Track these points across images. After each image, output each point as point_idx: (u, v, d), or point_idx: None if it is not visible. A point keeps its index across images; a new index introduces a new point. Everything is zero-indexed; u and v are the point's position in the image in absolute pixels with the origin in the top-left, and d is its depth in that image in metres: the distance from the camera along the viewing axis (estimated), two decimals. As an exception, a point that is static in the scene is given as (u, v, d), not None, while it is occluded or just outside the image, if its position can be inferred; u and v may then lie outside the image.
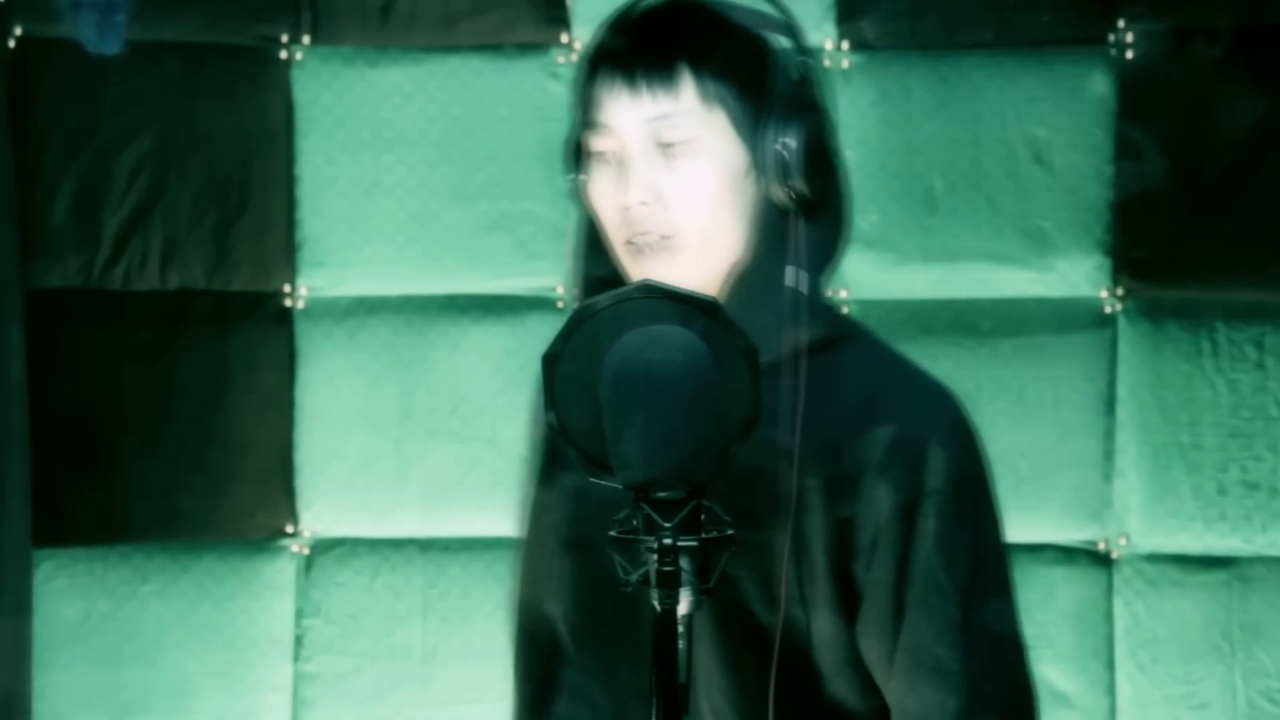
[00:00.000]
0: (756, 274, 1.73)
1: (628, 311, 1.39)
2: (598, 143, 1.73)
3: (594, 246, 1.79)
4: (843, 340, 1.78)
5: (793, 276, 1.70)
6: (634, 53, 1.72)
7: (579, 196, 1.78)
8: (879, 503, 1.70)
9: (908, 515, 1.70)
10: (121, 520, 2.98)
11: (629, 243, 1.72)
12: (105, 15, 2.85)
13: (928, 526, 1.70)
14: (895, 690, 1.70)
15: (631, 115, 1.71)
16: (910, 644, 1.69)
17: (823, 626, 1.71)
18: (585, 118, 1.74)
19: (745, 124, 1.72)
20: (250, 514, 3.01)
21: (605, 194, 1.73)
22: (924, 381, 1.81)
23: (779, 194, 1.71)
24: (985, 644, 1.71)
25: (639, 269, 1.71)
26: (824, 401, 1.72)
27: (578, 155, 1.77)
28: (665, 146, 1.70)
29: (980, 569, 1.73)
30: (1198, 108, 2.92)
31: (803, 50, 1.75)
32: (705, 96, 1.71)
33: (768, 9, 1.76)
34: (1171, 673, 2.94)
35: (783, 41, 1.74)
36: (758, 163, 1.72)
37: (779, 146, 1.70)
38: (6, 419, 2.88)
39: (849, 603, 1.71)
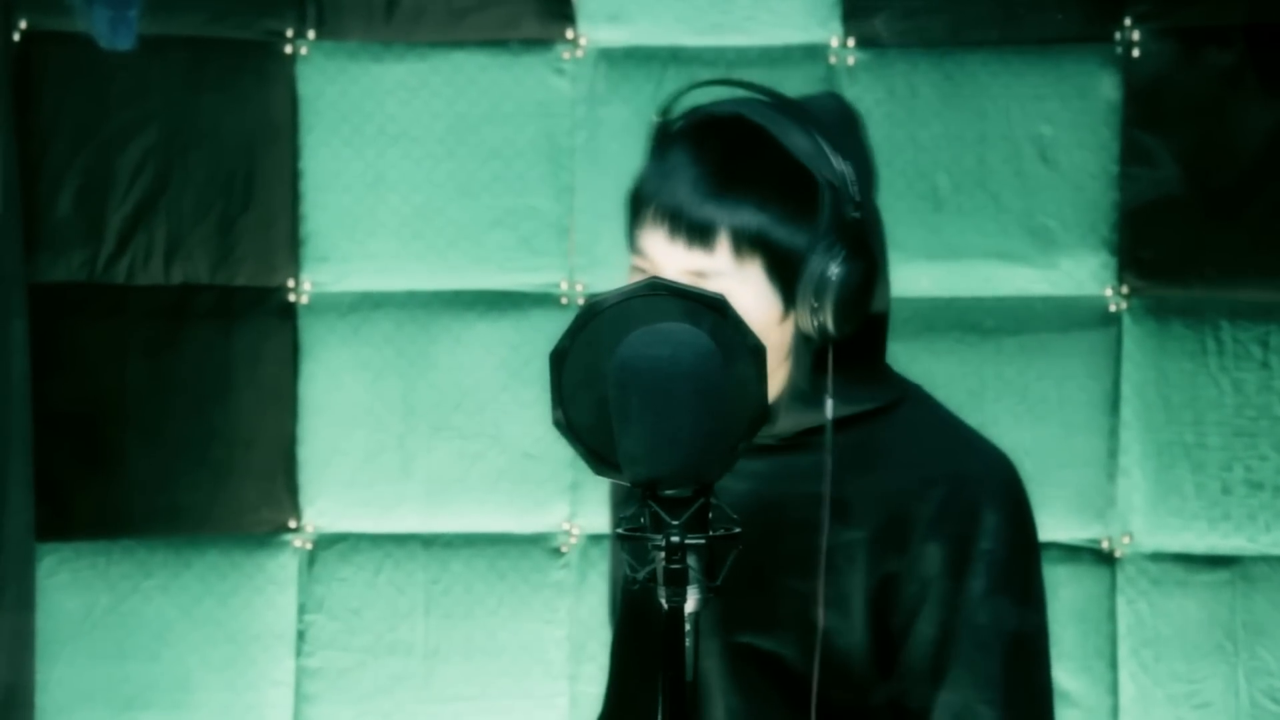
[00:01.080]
0: (799, 384, 1.74)
1: (635, 309, 1.39)
2: (639, 261, 1.74)
3: None
4: (901, 402, 1.79)
5: (829, 407, 1.70)
6: (675, 200, 1.71)
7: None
8: (927, 560, 1.72)
9: (957, 573, 1.72)
10: (124, 515, 2.98)
11: None
12: (118, 11, 2.85)
13: (977, 586, 1.72)
14: None
15: (669, 258, 1.71)
16: (952, 699, 1.72)
17: (854, 675, 1.72)
18: (630, 234, 1.75)
19: (783, 272, 1.70)
20: (253, 509, 3.01)
21: None
22: (980, 444, 1.82)
23: (814, 336, 1.70)
24: (1025, 702, 1.76)
25: None
26: (879, 460, 1.74)
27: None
28: None
29: (1024, 628, 1.76)
30: (1204, 107, 2.92)
31: (864, 183, 1.73)
32: (740, 255, 1.69)
33: (823, 139, 1.72)
34: (1174, 671, 2.94)
35: (840, 168, 1.71)
36: (795, 309, 1.70)
37: (813, 304, 1.68)
38: (10, 413, 2.88)
39: (882, 656, 1.73)
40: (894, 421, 1.77)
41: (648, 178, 1.76)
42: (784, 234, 1.70)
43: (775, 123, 1.72)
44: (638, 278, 1.73)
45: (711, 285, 1.67)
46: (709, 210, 1.70)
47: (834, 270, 1.68)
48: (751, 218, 1.70)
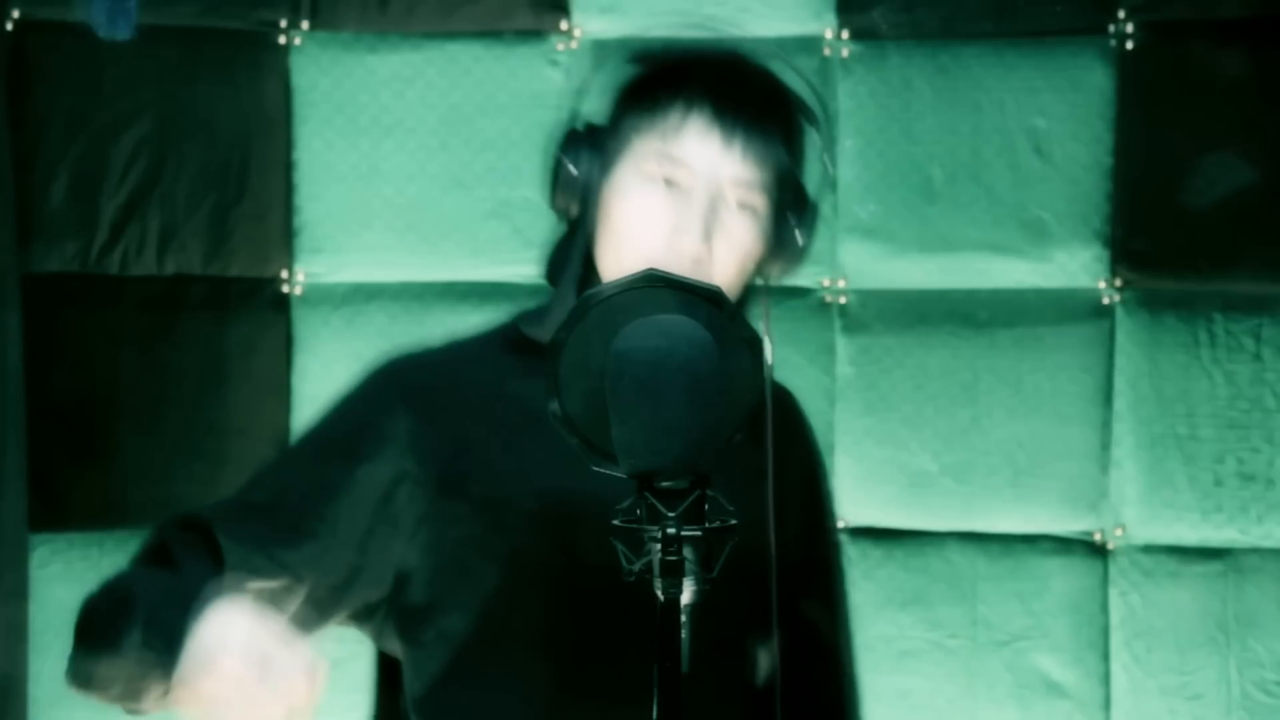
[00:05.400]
0: None
1: (632, 300, 1.39)
2: (669, 170, 1.74)
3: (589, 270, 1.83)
4: None
5: (768, 349, 1.75)
6: (738, 109, 1.75)
7: (573, 187, 1.79)
8: (800, 506, 1.84)
9: (813, 503, 1.90)
10: (118, 505, 2.97)
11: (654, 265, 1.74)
12: (116, 1, 2.84)
13: (828, 510, 1.94)
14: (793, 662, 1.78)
15: (720, 167, 1.73)
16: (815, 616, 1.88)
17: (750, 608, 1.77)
18: (659, 144, 1.75)
19: (784, 206, 1.78)
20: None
21: (651, 219, 1.74)
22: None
23: (773, 274, 1.80)
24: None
25: None
26: None
27: (590, 145, 1.79)
28: (736, 205, 1.73)
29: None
30: (1197, 99, 2.92)
31: (831, 150, 1.85)
32: (779, 173, 1.74)
33: (812, 101, 1.81)
34: (1167, 663, 2.95)
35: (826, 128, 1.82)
36: (777, 242, 1.79)
37: (801, 242, 1.79)
38: (3, 404, 2.87)
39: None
40: None
41: (671, 78, 1.77)
42: (795, 175, 1.79)
43: (778, 72, 1.80)
44: (654, 187, 1.74)
45: (757, 197, 1.75)
46: (772, 119, 1.74)
47: (813, 215, 1.80)
48: (793, 132, 1.78)
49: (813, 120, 1.80)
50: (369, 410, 1.83)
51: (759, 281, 1.80)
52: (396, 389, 1.84)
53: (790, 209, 1.78)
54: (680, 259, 1.72)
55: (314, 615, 1.77)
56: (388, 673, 1.92)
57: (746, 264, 1.77)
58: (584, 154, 1.79)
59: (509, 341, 1.87)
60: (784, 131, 1.77)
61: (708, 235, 1.73)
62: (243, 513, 1.79)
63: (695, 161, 1.73)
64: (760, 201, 1.75)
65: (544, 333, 1.83)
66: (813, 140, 1.82)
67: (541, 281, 3.02)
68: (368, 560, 1.78)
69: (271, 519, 1.78)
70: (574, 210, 1.82)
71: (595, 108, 1.86)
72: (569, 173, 1.80)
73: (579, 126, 1.82)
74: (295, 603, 1.73)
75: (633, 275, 1.41)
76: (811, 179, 1.82)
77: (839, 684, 1.93)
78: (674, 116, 1.75)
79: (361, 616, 1.84)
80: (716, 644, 1.64)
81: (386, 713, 1.92)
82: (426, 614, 1.80)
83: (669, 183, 1.74)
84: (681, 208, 1.73)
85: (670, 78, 1.77)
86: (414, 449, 1.79)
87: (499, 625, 1.78)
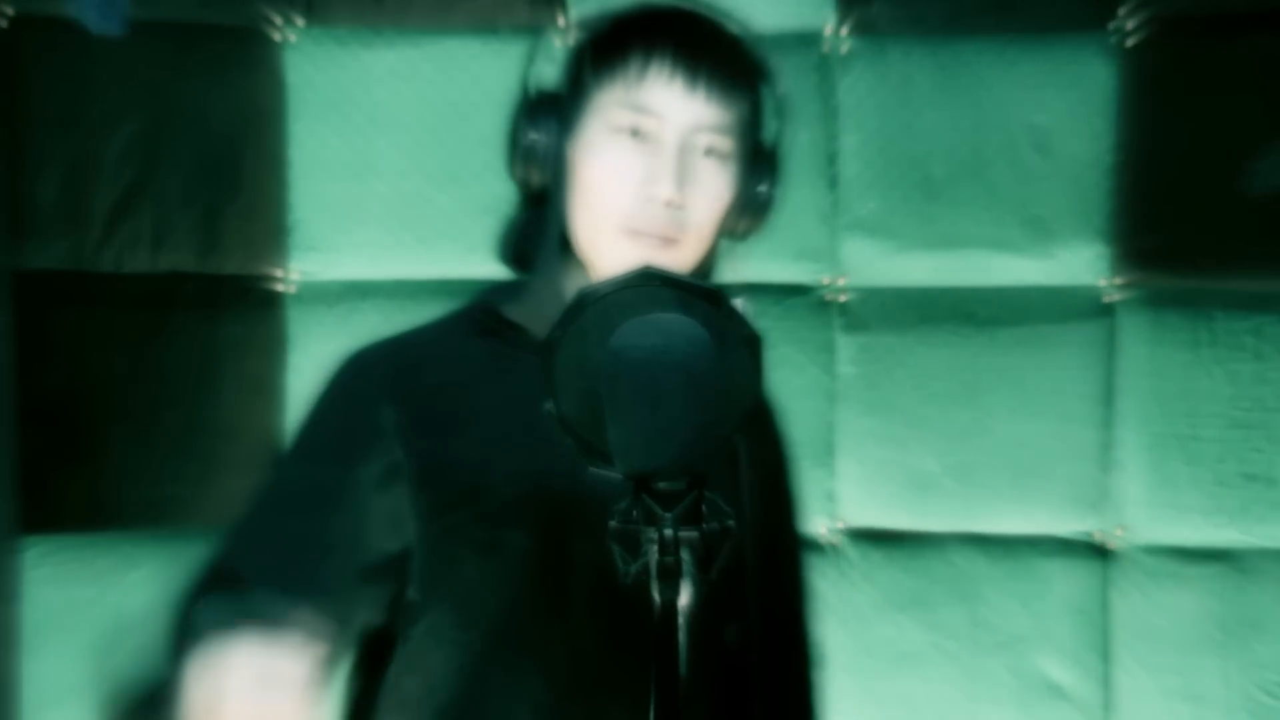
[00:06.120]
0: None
1: (629, 298, 1.37)
2: (635, 119, 1.72)
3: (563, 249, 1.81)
4: None
5: (743, 305, 1.73)
6: (700, 53, 1.74)
7: (537, 157, 1.77)
8: (767, 492, 1.84)
9: (778, 488, 1.92)
10: (109, 506, 2.96)
11: (630, 229, 1.72)
12: (108, -2, 2.83)
13: (794, 495, 1.96)
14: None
15: (687, 114, 1.71)
16: (787, 592, 1.92)
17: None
18: (623, 94, 1.74)
19: (749, 154, 1.78)
20: (239, 501, 2.97)
21: (622, 172, 1.72)
22: None
23: (742, 229, 1.79)
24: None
25: (628, 257, 1.71)
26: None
27: (552, 112, 1.77)
28: (704, 151, 1.72)
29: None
30: (1199, 95, 2.91)
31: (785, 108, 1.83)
32: (743, 118, 1.73)
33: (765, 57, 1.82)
34: (1168, 665, 2.94)
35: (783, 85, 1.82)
36: (746, 191, 1.78)
37: (766, 192, 1.79)
38: (-6, 403, 2.87)
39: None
40: None
41: (633, 31, 1.76)
42: (758, 123, 1.79)
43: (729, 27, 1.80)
44: (623, 142, 1.73)
45: (726, 141, 1.75)
46: (735, 62, 1.75)
47: (779, 169, 1.80)
48: (758, 78, 1.77)
49: (766, 74, 1.79)
50: (353, 409, 1.81)
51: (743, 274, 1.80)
52: (374, 381, 1.83)
53: (755, 157, 1.77)
54: (654, 207, 1.71)
55: (346, 618, 1.77)
56: (366, 668, 1.90)
57: (719, 211, 1.76)
58: (546, 121, 1.77)
59: (480, 324, 1.85)
60: (744, 76, 1.77)
61: (680, 181, 1.72)
62: (262, 547, 1.80)
63: (661, 107, 1.72)
64: (728, 145, 1.74)
65: (526, 314, 1.81)
66: (774, 106, 1.82)
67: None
68: (381, 557, 1.77)
69: (291, 543, 1.78)
70: (540, 181, 1.79)
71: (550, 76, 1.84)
72: (533, 141, 1.76)
73: (536, 96, 1.80)
74: (329, 616, 1.73)
75: (629, 273, 1.39)
76: (783, 149, 1.83)
77: (804, 670, 1.94)
78: (635, 65, 1.74)
79: (386, 610, 1.84)
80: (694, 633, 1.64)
81: (361, 708, 1.89)
82: (418, 607, 1.79)
83: (636, 133, 1.73)
84: (651, 156, 1.72)
85: (628, 31, 1.76)
86: (399, 438, 1.78)
87: (486, 618, 1.76)
